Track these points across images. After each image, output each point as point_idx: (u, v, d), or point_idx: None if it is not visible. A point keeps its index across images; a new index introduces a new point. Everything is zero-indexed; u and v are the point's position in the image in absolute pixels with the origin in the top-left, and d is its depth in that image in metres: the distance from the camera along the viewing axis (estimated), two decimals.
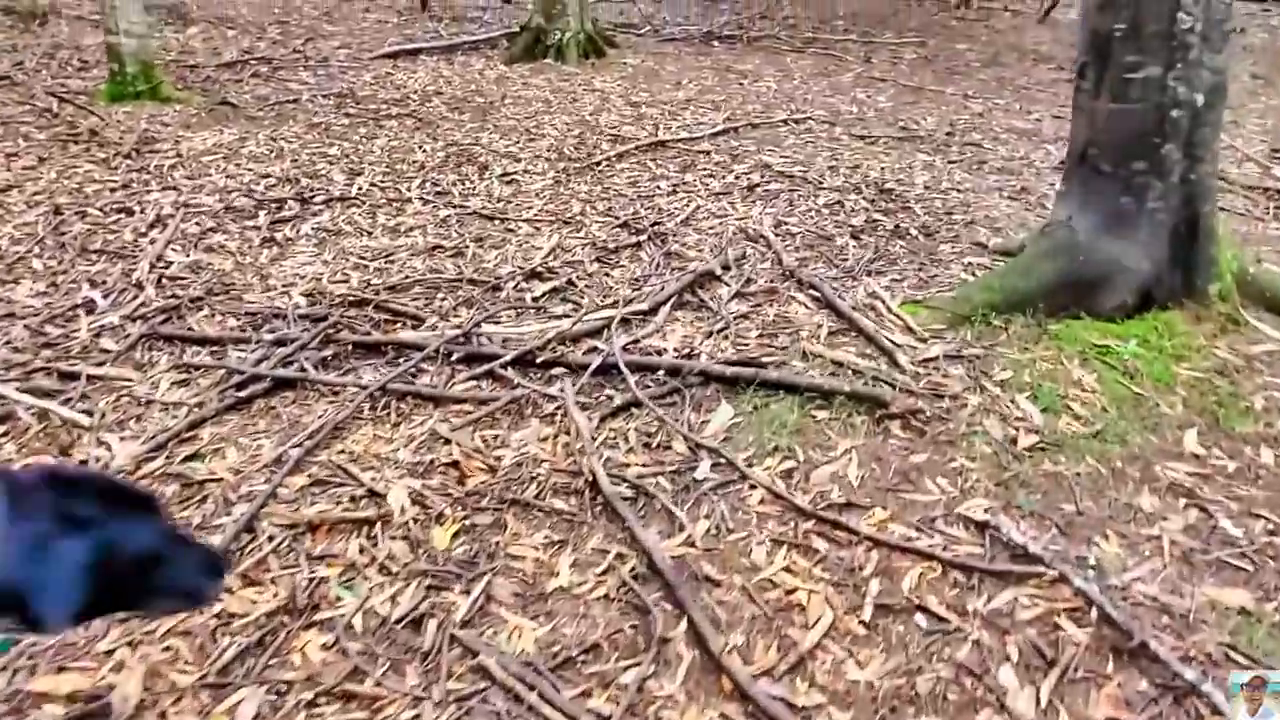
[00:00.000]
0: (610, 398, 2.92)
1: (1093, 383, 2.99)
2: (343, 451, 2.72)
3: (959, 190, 4.90)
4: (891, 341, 3.19)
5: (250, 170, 4.97)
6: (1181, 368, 3.07)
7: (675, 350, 3.20)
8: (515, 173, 5.12)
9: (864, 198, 4.71)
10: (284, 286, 3.74)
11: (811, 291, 3.59)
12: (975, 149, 5.86)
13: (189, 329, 3.38)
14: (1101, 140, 3.29)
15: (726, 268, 3.84)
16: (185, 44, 8.10)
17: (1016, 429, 2.76)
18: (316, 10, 10.04)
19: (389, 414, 2.91)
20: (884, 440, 2.72)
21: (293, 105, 6.33)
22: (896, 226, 4.30)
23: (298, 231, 4.27)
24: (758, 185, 4.91)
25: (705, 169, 5.22)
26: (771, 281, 3.72)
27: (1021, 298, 3.37)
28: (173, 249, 4.01)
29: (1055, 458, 2.64)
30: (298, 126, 5.82)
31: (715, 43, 9.44)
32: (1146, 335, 3.21)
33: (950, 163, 5.48)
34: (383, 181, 4.90)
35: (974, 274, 3.76)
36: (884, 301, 3.47)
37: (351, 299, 3.55)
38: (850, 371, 3.03)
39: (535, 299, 3.65)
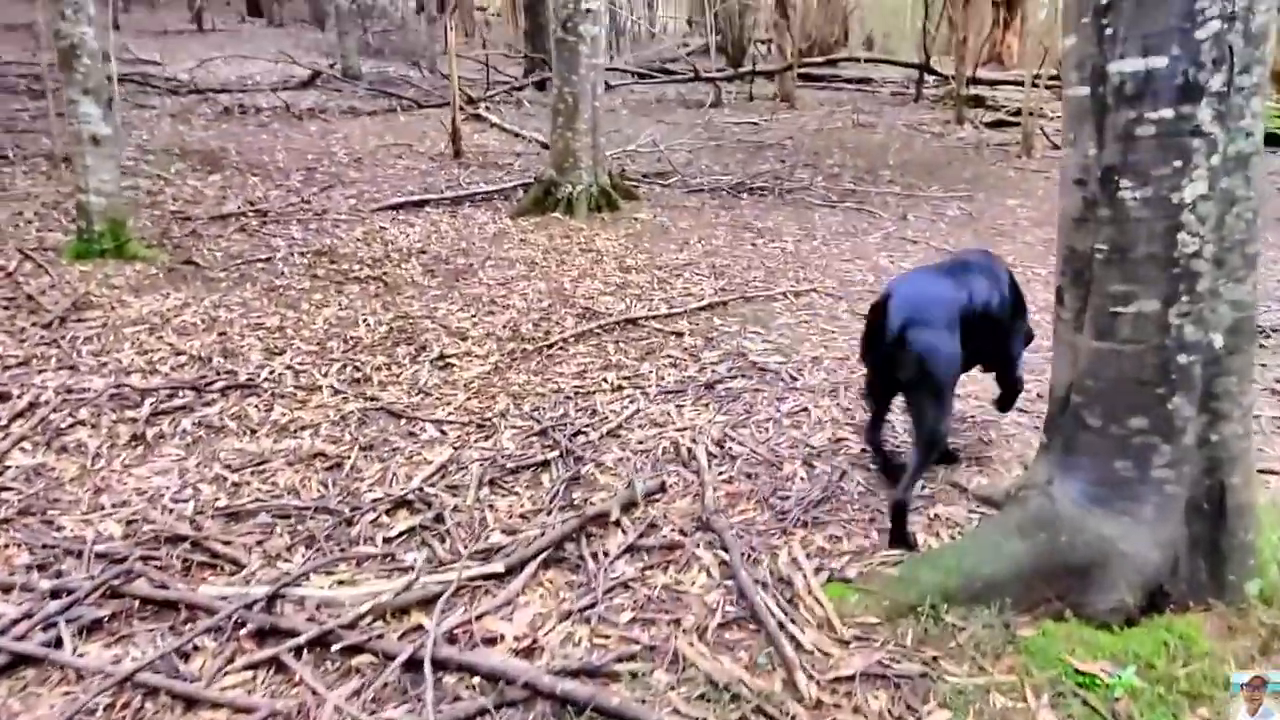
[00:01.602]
0: None
1: None
2: None
3: (958, 395, 4.12)
4: (797, 643, 2.41)
5: (168, 345, 4.57)
6: (1198, 717, 2.20)
7: (515, 640, 2.49)
8: (455, 355, 4.59)
9: (839, 404, 3.98)
10: (114, 505, 3.20)
11: (721, 551, 2.85)
12: None
13: None
14: (1088, 386, 2.52)
15: (632, 505, 3.14)
16: (198, 193, 8.06)
17: None
18: (349, 157, 10.06)
19: (125, 717, 2.27)
20: None
21: (262, 265, 6.03)
22: (862, 451, 3.54)
23: (176, 427, 3.78)
24: (720, 382, 4.24)
25: (669, 356, 4.59)
26: (679, 530, 2.99)
27: (985, 584, 2.55)
28: (22, 448, 3.55)
29: None
30: (251, 291, 5.48)
31: (744, 195, 8.98)
32: (1152, 657, 2.35)
33: None
34: (302, 363, 4.43)
35: (939, 533, 2.96)
36: (805, 576, 2.70)
37: (168, 534, 2.98)
38: (727, 695, 2.25)
39: (388, 540, 3.01)
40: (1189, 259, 2.33)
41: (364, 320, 5.03)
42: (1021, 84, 15.17)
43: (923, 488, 3.23)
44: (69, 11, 5.51)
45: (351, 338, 4.79)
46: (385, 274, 5.93)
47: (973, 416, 3.86)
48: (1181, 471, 2.46)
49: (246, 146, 10.40)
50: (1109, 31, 2.32)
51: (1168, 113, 2.26)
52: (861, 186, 9.49)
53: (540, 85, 16.59)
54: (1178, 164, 2.28)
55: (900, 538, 2.86)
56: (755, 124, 13.97)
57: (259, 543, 2.99)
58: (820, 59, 18.74)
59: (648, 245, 6.89)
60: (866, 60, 19.67)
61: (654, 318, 5.15)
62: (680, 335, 4.90)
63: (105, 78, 5.88)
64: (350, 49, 16.26)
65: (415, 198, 8.10)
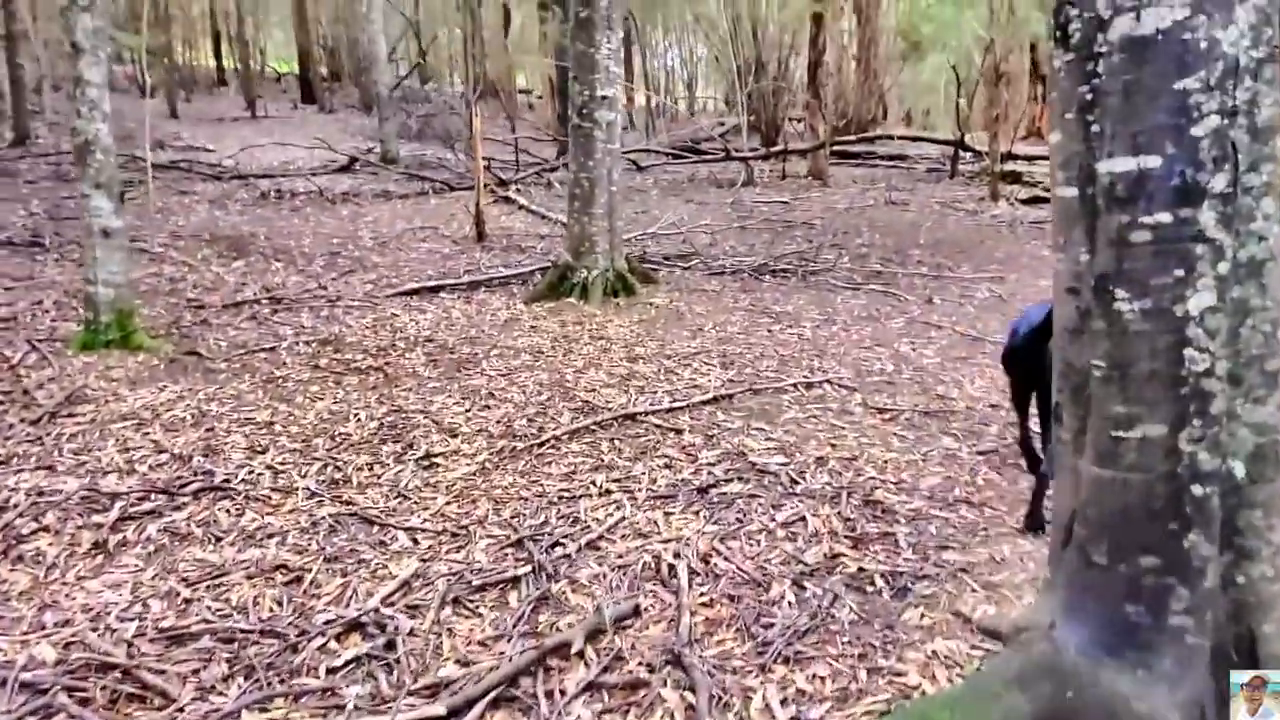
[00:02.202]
0: None
1: None
2: None
3: (972, 503, 3.82)
4: None
5: (152, 443, 4.47)
6: None
7: None
8: (442, 454, 4.41)
9: (839, 513, 3.70)
10: (56, 624, 3.03)
11: (689, 693, 2.57)
12: None
13: None
14: (1091, 518, 2.24)
15: (599, 633, 2.88)
16: (218, 279, 8.13)
17: None
18: (374, 241, 10.14)
19: None
20: None
21: (266, 354, 5.97)
22: (860, 570, 3.25)
23: (140, 534, 3.63)
24: (713, 486, 3.98)
25: (664, 457, 4.35)
26: (647, 665, 2.72)
27: None
28: None
29: None
30: (249, 383, 5.40)
31: (766, 276, 8.81)
32: None
33: (980, 455, 4.40)
34: (283, 463, 4.28)
35: (935, 674, 2.65)
36: None
37: (99, 662, 2.79)
38: None
39: (332, 670, 2.78)
40: (1199, 378, 2.07)
41: (356, 415, 4.90)
42: None
43: (921, 617, 2.93)
44: (84, 109, 5.63)
45: (340, 434, 4.65)
46: (387, 364, 5.83)
47: (985, 529, 3.55)
48: (1203, 619, 2.15)
49: (276, 231, 10.56)
50: (1095, 128, 2.11)
51: (1165, 217, 2.03)
52: (889, 267, 9.27)
53: None
54: (1179, 273, 2.03)
55: (1035, 516, 3.51)
56: (785, 203, 13.90)
57: (195, 671, 2.78)
58: (854, 136, 18.73)
59: (660, 332, 6.72)
60: (900, 137, 19.63)
61: (654, 413, 4.93)
62: (679, 432, 4.66)
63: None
64: (390, 134, 16.66)
65: (431, 283, 8.07)
